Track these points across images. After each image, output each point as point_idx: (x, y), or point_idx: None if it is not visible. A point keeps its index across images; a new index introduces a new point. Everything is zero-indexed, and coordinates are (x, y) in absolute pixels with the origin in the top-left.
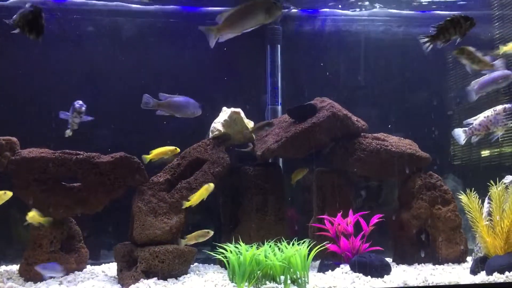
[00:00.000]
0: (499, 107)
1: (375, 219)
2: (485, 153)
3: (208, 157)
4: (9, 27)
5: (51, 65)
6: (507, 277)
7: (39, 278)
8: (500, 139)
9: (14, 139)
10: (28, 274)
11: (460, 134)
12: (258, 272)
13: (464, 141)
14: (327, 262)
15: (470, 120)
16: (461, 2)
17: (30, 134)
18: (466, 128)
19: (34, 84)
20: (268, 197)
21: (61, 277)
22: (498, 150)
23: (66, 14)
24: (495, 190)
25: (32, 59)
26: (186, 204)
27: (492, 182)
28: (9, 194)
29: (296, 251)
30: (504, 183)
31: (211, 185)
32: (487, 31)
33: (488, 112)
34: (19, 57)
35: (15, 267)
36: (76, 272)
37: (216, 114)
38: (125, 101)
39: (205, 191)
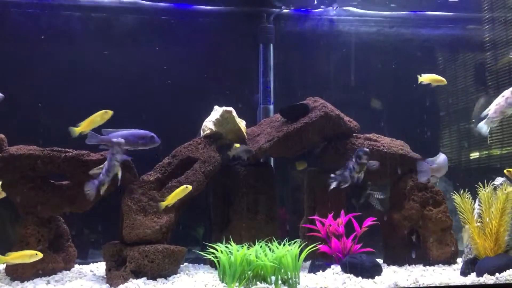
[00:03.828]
0: (507, 92)
1: (368, 222)
2: (474, 155)
3: (199, 156)
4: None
5: (39, 62)
6: (497, 278)
7: (26, 277)
8: (489, 141)
9: (2, 135)
10: (15, 273)
11: (482, 126)
12: (249, 272)
13: (488, 131)
14: (318, 262)
15: (485, 112)
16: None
17: (18, 131)
18: (486, 119)
19: (22, 80)
20: (259, 196)
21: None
22: (487, 152)
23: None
24: (483, 192)
25: (18, 56)
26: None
27: (480, 184)
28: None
29: (287, 251)
30: (494, 185)
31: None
32: (477, 33)
33: (499, 99)
34: (6, 54)
35: (1, 266)
36: (64, 272)
37: (207, 113)
38: (113, 99)
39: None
